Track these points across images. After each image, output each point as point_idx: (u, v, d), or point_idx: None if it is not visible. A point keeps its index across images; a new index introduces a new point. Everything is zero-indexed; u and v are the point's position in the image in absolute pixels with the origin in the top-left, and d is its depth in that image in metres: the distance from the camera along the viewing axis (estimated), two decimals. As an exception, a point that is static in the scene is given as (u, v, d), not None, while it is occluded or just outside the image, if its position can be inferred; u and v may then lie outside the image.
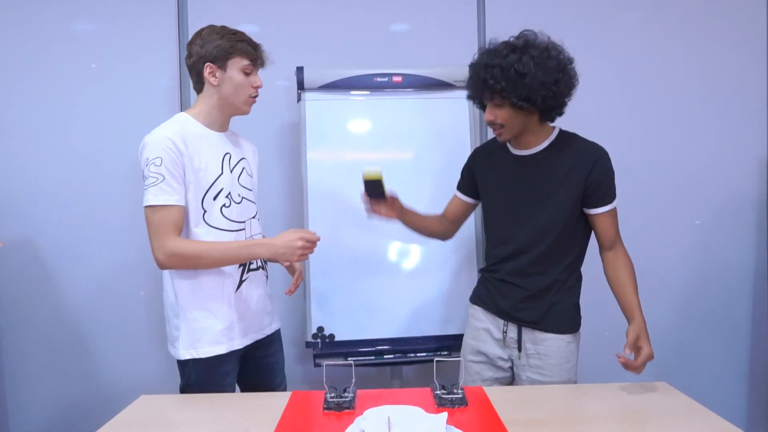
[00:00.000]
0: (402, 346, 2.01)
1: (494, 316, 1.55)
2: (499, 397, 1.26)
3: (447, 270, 2.05)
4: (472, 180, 1.64)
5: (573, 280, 1.50)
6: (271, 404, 1.25)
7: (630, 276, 1.43)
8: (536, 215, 1.46)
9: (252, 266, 1.51)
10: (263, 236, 1.56)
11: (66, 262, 2.18)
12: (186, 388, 1.43)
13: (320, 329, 1.99)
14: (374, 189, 1.50)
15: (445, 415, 1.06)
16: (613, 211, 1.45)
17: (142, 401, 1.31)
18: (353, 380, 1.27)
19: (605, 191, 1.42)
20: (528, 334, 1.49)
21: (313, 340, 1.98)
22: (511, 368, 1.56)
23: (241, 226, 1.47)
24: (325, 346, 1.99)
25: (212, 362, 1.42)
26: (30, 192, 2.15)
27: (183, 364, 1.42)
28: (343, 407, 1.20)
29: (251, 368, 1.58)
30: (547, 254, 1.46)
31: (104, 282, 2.20)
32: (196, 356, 1.41)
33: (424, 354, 1.97)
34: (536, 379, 1.47)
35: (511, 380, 1.58)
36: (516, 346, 1.51)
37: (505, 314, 1.52)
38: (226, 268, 1.43)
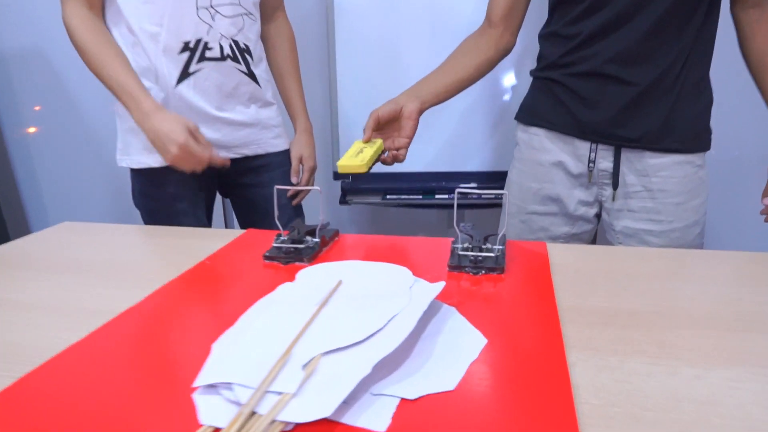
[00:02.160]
0: (461, 182, 1.46)
1: (571, 138, 0.94)
2: (568, 260, 0.70)
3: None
4: None
5: (702, 65, 0.88)
6: (203, 244, 0.81)
7: None
8: None
9: (210, 54, 1.00)
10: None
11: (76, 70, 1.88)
12: (136, 202, 1.08)
13: (351, 156, 1.49)
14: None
15: (438, 286, 0.55)
16: None
17: (62, 227, 0.94)
18: (321, 218, 0.78)
19: None
20: (631, 161, 0.91)
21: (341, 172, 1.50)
22: (598, 216, 1.00)
23: None
24: (357, 179, 1.51)
25: (150, 177, 1.04)
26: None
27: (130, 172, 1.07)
28: (291, 258, 0.72)
29: (239, 201, 1.18)
30: (667, 19, 0.82)
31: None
32: (131, 165, 1.04)
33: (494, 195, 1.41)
34: (641, 229, 0.93)
35: (594, 236, 1.04)
36: (609, 180, 0.94)
37: (594, 132, 0.91)
38: (159, 48, 0.97)
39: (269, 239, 0.80)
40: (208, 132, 1.03)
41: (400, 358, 0.47)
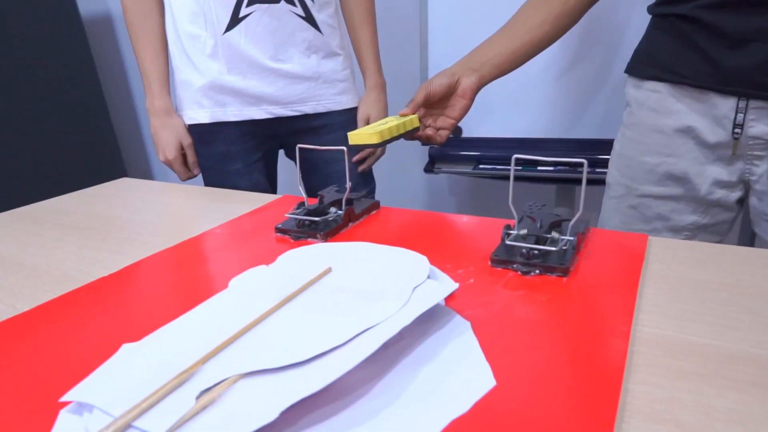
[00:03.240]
0: (574, 151, 1.22)
1: (708, 94, 0.67)
2: (675, 265, 0.48)
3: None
4: None
5: None
6: (236, 209, 0.72)
7: None
8: None
9: None
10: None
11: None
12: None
13: (441, 119, 1.31)
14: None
15: (444, 289, 0.38)
16: None
17: (119, 183, 0.92)
18: (348, 185, 0.64)
19: None
20: None
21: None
22: (740, 202, 0.73)
23: None
24: (446, 144, 1.33)
25: (200, 134, 0.98)
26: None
27: None
28: (304, 233, 0.59)
29: (300, 161, 1.06)
30: None
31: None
32: (184, 120, 0.99)
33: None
34: None
35: (729, 230, 0.77)
36: (764, 152, 0.66)
37: (743, 82, 0.63)
38: None
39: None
40: (261, 85, 0.93)
41: (363, 389, 0.32)
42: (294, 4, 0.91)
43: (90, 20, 2.08)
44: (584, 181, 0.49)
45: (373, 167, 1.09)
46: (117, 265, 0.55)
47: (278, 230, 0.61)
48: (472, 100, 0.71)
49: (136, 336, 0.40)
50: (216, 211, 0.72)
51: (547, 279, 0.47)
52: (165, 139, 0.97)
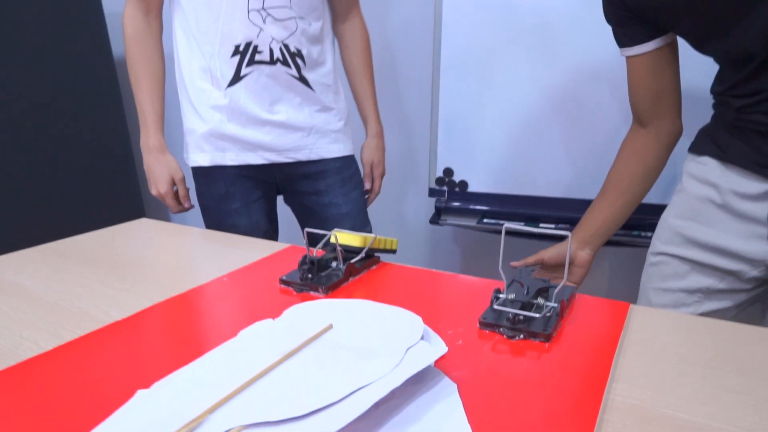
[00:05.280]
0: (576, 212, 1.25)
1: (753, 175, 0.70)
2: (656, 334, 0.51)
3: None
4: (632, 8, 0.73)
5: None
6: (246, 255, 0.76)
7: None
8: None
9: (260, 57, 0.98)
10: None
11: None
12: (198, 199, 1.11)
13: (448, 172, 1.37)
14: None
15: (435, 352, 0.42)
16: None
17: (140, 223, 0.97)
18: (333, 250, 0.68)
19: None
20: None
21: (437, 187, 1.39)
22: (759, 281, 0.75)
23: None
24: (452, 197, 1.38)
25: (202, 176, 1.07)
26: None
27: None
28: (307, 285, 0.63)
29: (298, 208, 1.15)
30: None
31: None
32: (188, 163, 1.08)
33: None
34: None
35: (745, 302, 0.78)
36: None
37: None
38: (215, 49, 0.98)
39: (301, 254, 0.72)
40: (257, 134, 1.03)
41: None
42: (288, 66, 1.00)
43: (121, 60, 2.19)
44: (568, 253, 0.53)
45: (383, 216, 1.15)
46: (133, 307, 0.59)
47: (282, 282, 0.65)
48: (588, 268, 0.84)
49: (148, 380, 0.44)
50: (228, 257, 0.76)
51: (530, 344, 0.50)
52: (158, 173, 1.04)
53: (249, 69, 0.98)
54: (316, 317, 0.51)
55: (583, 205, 1.25)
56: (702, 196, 0.76)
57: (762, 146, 0.68)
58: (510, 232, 0.53)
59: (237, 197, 1.06)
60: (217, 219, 1.08)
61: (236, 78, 0.99)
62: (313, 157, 1.08)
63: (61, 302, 0.62)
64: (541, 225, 1.27)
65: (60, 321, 0.57)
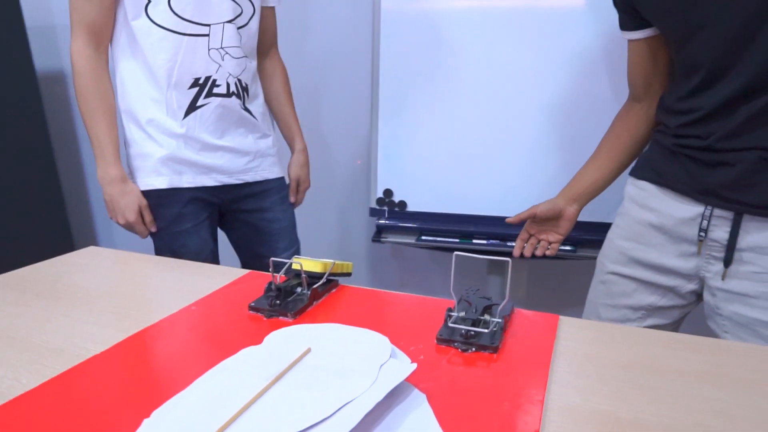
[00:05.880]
0: (506, 228, 1.37)
1: (685, 198, 0.83)
2: (582, 342, 0.61)
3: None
4: None
5: None
6: (207, 284, 0.80)
7: None
8: None
9: (218, 90, 1.07)
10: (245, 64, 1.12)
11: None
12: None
13: (388, 193, 1.45)
14: None
15: (406, 369, 0.49)
16: None
17: (87, 251, 0.97)
18: (297, 276, 0.74)
19: None
20: (753, 232, 0.77)
21: (377, 207, 1.46)
22: (697, 295, 0.87)
23: (202, 30, 1.03)
24: (392, 217, 1.46)
25: (155, 198, 1.10)
26: None
27: None
28: (276, 310, 0.68)
29: (241, 228, 1.23)
30: None
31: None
32: (140, 187, 1.10)
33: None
34: (757, 319, 0.77)
35: (679, 319, 0.92)
36: (721, 255, 0.80)
37: (713, 195, 0.79)
38: (172, 81, 1.04)
39: (264, 280, 0.77)
40: (212, 159, 1.11)
41: (341, 455, 0.42)
42: (240, 98, 1.11)
43: (44, 75, 2.11)
44: (509, 276, 0.62)
45: (326, 236, 1.21)
46: (107, 339, 0.62)
47: (251, 309, 0.70)
48: (574, 222, 1.00)
49: (143, 409, 0.47)
50: (189, 285, 0.79)
51: (481, 355, 0.58)
52: (125, 204, 1.05)
53: (206, 100, 1.06)
54: (295, 342, 0.57)
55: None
56: (643, 220, 0.88)
57: (695, 172, 0.80)
58: (448, 248, 0.61)
59: (188, 218, 1.11)
60: (168, 240, 1.11)
61: (192, 108, 1.06)
62: (258, 178, 1.19)
63: (31, 338, 0.63)
64: (474, 240, 1.38)
65: (36, 357, 0.58)
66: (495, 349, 0.59)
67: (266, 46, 1.24)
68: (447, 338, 0.61)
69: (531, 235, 1.05)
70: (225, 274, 0.84)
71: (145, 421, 0.45)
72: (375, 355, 0.54)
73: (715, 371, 0.56)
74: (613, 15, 0.92)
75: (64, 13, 2.06)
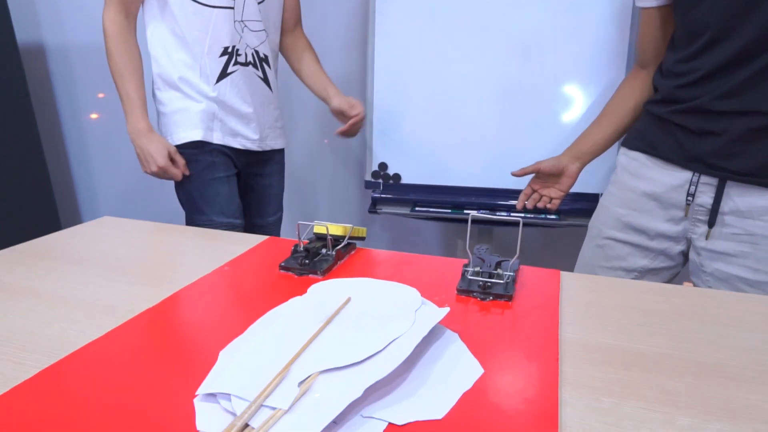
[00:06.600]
0: (494, 199, 1.45)
1: (674, 167, 0.91)
2: (584, 292, 0.69)
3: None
4: None
5: None
6: (230, 248, 0.84)
7: None
8: None
9: (240, 59, 1.17)
10: (262, 32, 1.20)
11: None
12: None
13: (383, 166, 1.51)
14: None
15: (442, 311, 0.56)
16: None
17: (102, 221, 1.00)
18: (319, 239, 0.80)
19: None
20: (735, 197, 0.85)
21: (372, 180, 1.52)
22: (684, 255, 0.96)
23: (228, 2, 1.12)
24: (387, 189, 1.52)
25: (190, 148, 1.19)
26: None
27: None
28: (306, 269, 0.74)
29: (240, 186, 1.31)
30: None
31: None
32: (175, 143, 1.19)
33: (525, 215, 1.39)
34: (736, 275, 0.87)
35: (672, 277, 1.00)
36: (705, 218, 0.89)
37: (699, 161, 0.87)
38: (205, 50, 1.14)
39: (288, 248, 0.82)
40: (238, 124, 1.20)
41: (395, 382, 0.48)
42: (257, 68, 1.20)
43: (26, 48, 2.06)
44: (520, 234, 0.69)
45: (325, 206, 1.26)
46: (151, 298, 0.67)
47: (282, 268, 0.75)
48: (575, 179, 1.08)
49: (215, 347, 0.53)
50: (215, 250, 0.84)
51: (498, 303, 0.66)
52: (154, 150, 1.13)
53: (234, 68, 1.16)
54: (336, 293, 0.63)
55: (498, 192, 1.46)
56: (636, 188, 0.96)
57: (684, 141, 0.88)
58: (470, 220, 0.67)
59: (220, 168, 1.20)
60: (201, 186, 1.19)
61: (223, 74, 1.15)
62: (270, 147, 1.29)
63: (80, 297, 0.67)
64: (465, 210, 1.46)
65: (91, 314, 0.63)
66: (510, 297, 0.66)
67: (291, 24, 1.33)
68: (466, 289, 0.68)
69: (534, 191, 1.13)
70: (246, 241, 0.89)
71: (222, 352, 0.51)
72: (408, 303, 0.60)
73: (701, 311, 0.65)
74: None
75: (43, -14, 2.02)
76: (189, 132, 1.17)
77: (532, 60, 1.37)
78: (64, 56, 2.12)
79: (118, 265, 0.78)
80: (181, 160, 1.17)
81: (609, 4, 1.29)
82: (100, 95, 2.15)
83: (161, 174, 1.16)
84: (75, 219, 2.38)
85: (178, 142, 1.18)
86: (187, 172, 1.18)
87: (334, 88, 1.33)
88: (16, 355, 0.54)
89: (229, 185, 1.22)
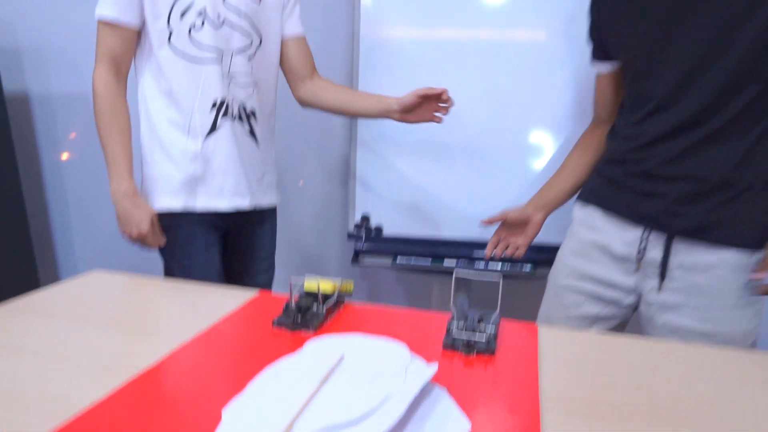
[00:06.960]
0: (471, 249, 1.52)
1: (626, 222, 0.98)
2: (560, 346, 0.75)
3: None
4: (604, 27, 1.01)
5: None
6: (221, 303, 0.87)
7: None
8: (727, 54, 0.82)
9: (229, 113, 1.18)
10: (250, 86, 1.20)
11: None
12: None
13: (365, 219, 1.56)
14: None
15: (431, 369, 0.60)
16: None
17: (92, 276, 1.01)
18: (308, 295, 0.84)
19: None
20: (682, 253, 0.92)
21: (355, 232, 1.57)
22: (635, 307, 1.02)
23: (214, 55, 1.14)
24: (369, 241, 1.57)
25: (167, 219, 1.18)
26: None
27: None
28: (299, 325, 0.78)
29: (229, 245, 1.30)
30: (739, 118, 0.84)
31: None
32: (154, 208, 1.17)
33: (503, 266, 1.45)
34: (685, 327, 0.92)
35: (622, 325, 1.06)
36: (657, 271, 0.95)
37: (650, 220, 0.94)
38: (195, 105, 1.15)
39: (279, 304, 0.86)
40: (227, 182, 1.19)
41: (390, 436, 0.52)
42: (243, 122, 1.21)
43: (12, 97, 2.09)
44: (500, 290, 0.75)
45: (308, 257, 1.28)
46: (152, 355, 0.69)
47: (275, 324, 0.79)
48: (540, 227, 1.16)
49: (218, 402, 0.56)
50: (208, 307, 0.87)
51: (482, 357, 0.70)
52: (139, 215, 1.12)
53: (223, 120, 1.16)
54: (329, 350, 0.67)
55: (475, 244, 1.53)
56: (590, 240, 1.03)
57: (634, 201, 0.95)
58: (454, 277, 0.72)
59: (200, 238, 1.19)
60: (179, 257, 1.18)
61: (213, 128, 1.16)
62: (260, 203, 1.27)
63: (76, 357, 0.69)
64: (444, 262, 1.52)
65: (92, 374, 0.65)
66: (492, 352, 0.71)
67: (304, 72, 1.29)
68: (451, 345, 0.72)
69: (500, 240, 1.20)
70: (234, 297, 0.92)
71: (225, 410, 0.54)
72: (399, 359, 0.64)
73: (660, 363, 0.71)
74: (581, 48, 1.08)
75: (30, 38, 2.07)
76: (169, 199, 1.16)
77: (502, 113, 1.46)
78: (47, 104, 2.15)
79: (113, 320, 0.80)
80: (159, 228, 1.16)
81: (576, 68, 1.41)
82: (71, 135, 2.17)
83: (140, 239, 1.14)
84: (52, 266, 2.35)
85: (158, 209, 1.16)
86: (162, 241, 1.17)
87: (385, 95, 1.26)
88: (19, 418, 0.56)
89: (208, 254, 1.20)
